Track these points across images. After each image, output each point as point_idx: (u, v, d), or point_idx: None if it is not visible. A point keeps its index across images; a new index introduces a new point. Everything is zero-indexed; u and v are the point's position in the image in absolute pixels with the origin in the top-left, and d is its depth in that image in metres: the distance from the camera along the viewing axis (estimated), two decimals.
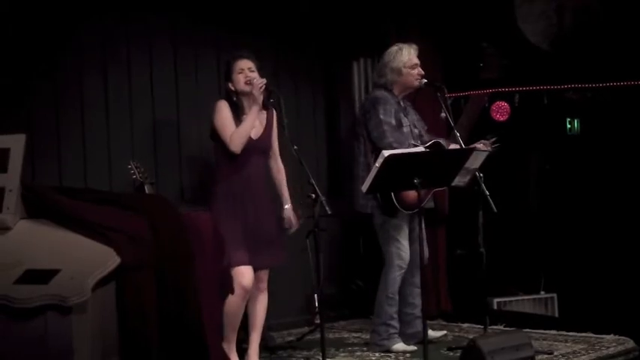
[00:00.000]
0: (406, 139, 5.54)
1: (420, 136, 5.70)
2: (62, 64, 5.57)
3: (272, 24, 6.62)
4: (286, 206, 5.20)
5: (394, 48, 5.69)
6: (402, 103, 5.68)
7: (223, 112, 4.99)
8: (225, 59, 5.20)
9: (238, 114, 5.02)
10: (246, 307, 5.07)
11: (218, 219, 4.58)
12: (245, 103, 5.04)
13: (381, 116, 5.52)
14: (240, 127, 4.93)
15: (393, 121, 5.52)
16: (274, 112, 5.15)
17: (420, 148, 5.34)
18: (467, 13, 7.12)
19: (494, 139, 5.68)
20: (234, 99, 5.04)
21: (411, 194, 5.29)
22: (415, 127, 5.69)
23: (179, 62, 6.17)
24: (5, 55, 5.21)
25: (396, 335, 5.61)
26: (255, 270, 5.00)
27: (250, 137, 4.98)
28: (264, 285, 5.14)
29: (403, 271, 5.57)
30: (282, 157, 5.21)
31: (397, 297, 5.60)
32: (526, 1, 7.21)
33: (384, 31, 7.01)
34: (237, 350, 5.05)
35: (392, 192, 5.37)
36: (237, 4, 6.37)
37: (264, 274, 5.13)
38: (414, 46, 5.67)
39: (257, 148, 5.03)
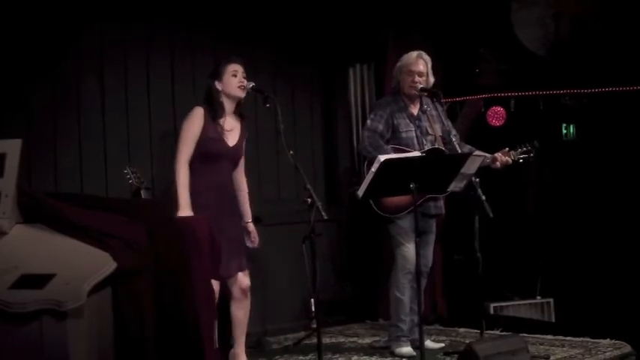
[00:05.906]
0: (404, 144, 5.51)
1: (441, 142, 5.64)
2: (59, 69, 5.58)
3: (270, 31, 6.64)
4: (249, 221, 5.17)
5: (406, 54, 5.71)
6: (411, 108, 5.65)
7: (192, 124, 4.94)
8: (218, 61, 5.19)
9: (218, 114, 4.98)
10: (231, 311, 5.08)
11: None
12: (227, 105, 5.04)
13: (368, 122, 5.62)
14: (181, 184, 4.86)
15: (380, 127, 5.53)
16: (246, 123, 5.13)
17: (417, 153, 5.35)
18: (465, 19, 7.14)
19: (525, 150, 5.66)
20: (220, 99, 5.02)
21: (391, 198, 5.30)
22: (429, 132, 5.65)
23: (176, 68, 6.18)
24: (2, 60, 5.22)
25: (404, 338, 5.60)
26: (229, 277, 4.98)
27: (227, 144, 4.99)
28: (247, 289, 5.09)
29: (409, 273, 5.55)
30: (277, 164, 5.18)
31: (405, 299, 5.59)
32: (523, 7, 7.22)
33: (382, 38, 7.03)
34: None
35: (372, 198, 5.34)
36: (235, 10, 6.38)
37: (246, 278, 5.07)
38: (422, 55, 5.65)
39: (231, 155, 5.04)
